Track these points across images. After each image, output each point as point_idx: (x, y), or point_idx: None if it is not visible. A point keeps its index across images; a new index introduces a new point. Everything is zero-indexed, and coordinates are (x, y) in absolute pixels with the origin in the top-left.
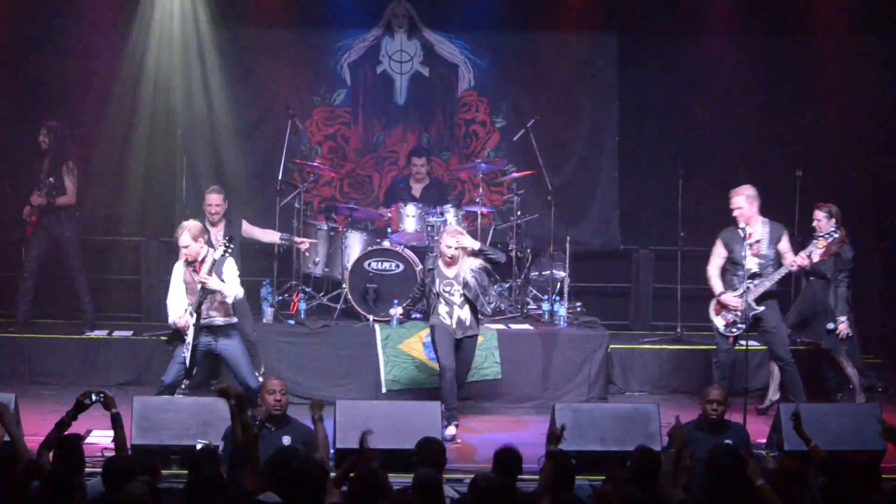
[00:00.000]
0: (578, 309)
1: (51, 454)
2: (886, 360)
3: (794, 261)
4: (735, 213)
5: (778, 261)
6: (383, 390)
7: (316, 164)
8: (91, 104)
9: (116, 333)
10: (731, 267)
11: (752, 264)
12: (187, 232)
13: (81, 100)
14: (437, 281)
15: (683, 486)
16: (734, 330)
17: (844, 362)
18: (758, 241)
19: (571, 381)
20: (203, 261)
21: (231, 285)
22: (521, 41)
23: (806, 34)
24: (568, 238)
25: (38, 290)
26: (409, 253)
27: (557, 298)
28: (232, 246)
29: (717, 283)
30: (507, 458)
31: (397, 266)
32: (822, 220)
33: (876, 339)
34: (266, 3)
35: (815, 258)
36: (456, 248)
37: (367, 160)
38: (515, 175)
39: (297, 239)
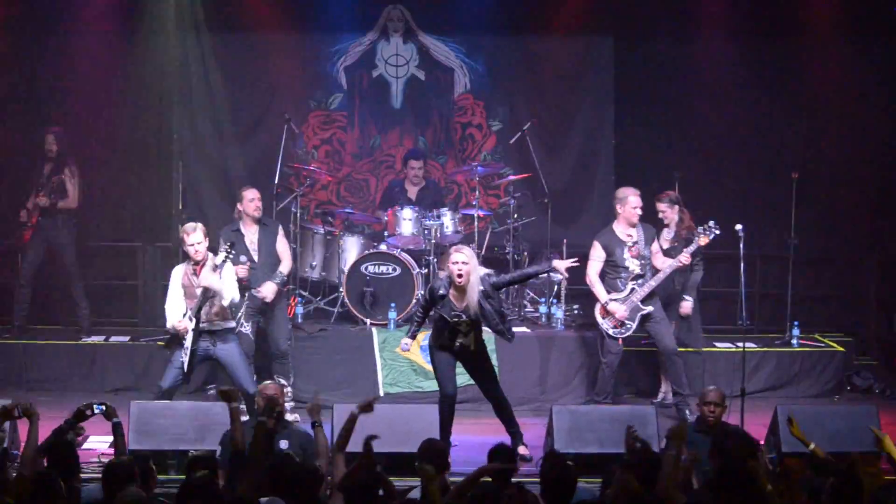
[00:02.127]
0: (576, 311)
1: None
2: (882, 362)
3: (679, 259)
4: (637, 212)
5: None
6: (381, 394)
7: (312, 167)
8: (87, 109)
9: (113, 339)
10: (612, 270)
11: (633, 265)
12: (200, 229)
13: (78, 104)
14: (447, 309)
15: (682, 487)
16: (623, 331)
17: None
18: (636, 243)
19: (569, 383)
20: (203, 264)
21: (229, 289)
22: (516, 44)
23: (802, 37)
24: (565, 241)
25: (34, 296)
26: (405, 256)
27: (554, 301)
28: (233, 252)
29: (601, 290)
30: (502, 456)
31: (394, 269)
32: (667, 211)
33: (872, 342)
34: (262, 7)
35: (685, 255)
36: (464, 264)
37: (364, 164)
38: (512, 178)
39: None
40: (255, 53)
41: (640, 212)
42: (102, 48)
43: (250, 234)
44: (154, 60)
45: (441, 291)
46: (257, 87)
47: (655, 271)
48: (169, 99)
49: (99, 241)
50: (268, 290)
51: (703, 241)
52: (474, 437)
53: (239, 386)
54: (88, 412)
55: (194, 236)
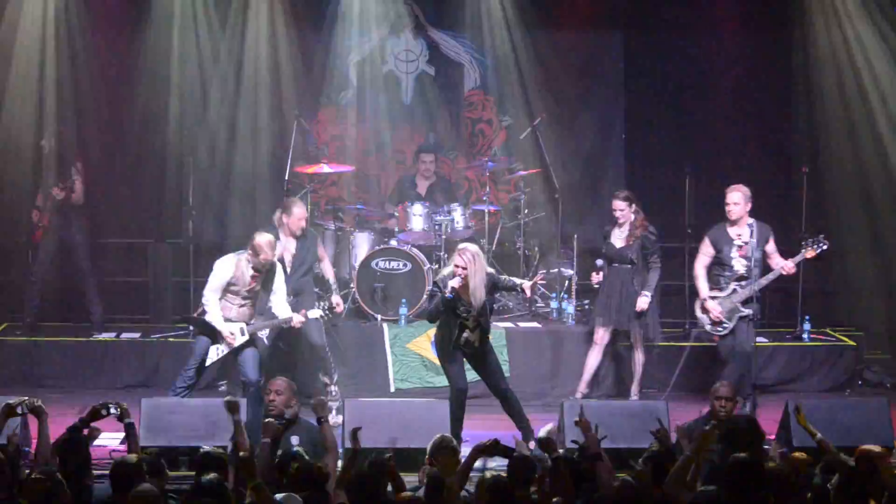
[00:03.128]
0: (586, 307)
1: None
2: (894, 356)
3: (783, 267)
4: (729, 209)
5: (763, 261)
6: (392, 389)
7: (322, 164)
8: (99, 107)
9: (124, 336)
10: (718, 267)
11: (739, 266)
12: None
13: (89, 103)
14: (457, 303)
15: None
16: (720, 329)
17: (638, 348)
18: (746, 243)
19: (580, 378)
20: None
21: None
22: (526, 39)
23: (812, 28)
24: (575, 236)
25: (45, 293)
26: (416, 252)
27: (565, 296)
28: (329, 314)
29: (703, 285)
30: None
31: (405, 265)
32: (625, 209)
33: (883, 336)
34: (271, 3)
35: (791, 264)
36: (462, 269)
37: (374, 160)
38: (522, 173)
39: (335, 299)
40: (265, 49)
41: (733, 209)
42: (112, 45)
43: (289, 246)
44: (164, 57)
45: (443, 287)
46: (268, 83)
47: (768, 271)
48: (180, 95)
49: (110, 238)
50: (338, 300)
51: (809, 253)
52: (485, 432)
53: (244, 373)
54: (104, 412)
55: (272, 252)
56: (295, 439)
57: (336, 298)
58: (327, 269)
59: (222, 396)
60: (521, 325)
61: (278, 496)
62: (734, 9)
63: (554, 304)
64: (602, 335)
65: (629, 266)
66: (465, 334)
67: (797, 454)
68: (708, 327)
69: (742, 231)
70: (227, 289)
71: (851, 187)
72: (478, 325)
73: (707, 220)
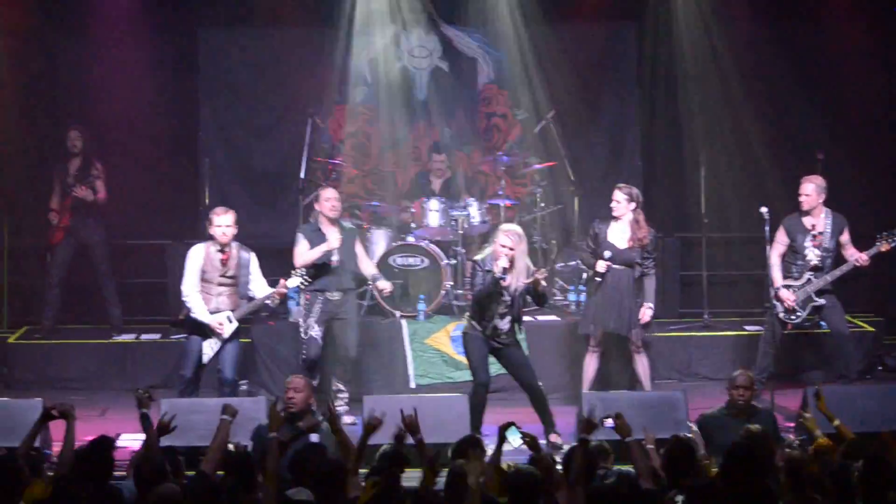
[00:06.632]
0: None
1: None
2: None
3: (858, 258)
4: (801, 199)
5: (838, 252)
6: (412, 385)
7: (338, 161)
8: (113, 107)
9: (144, 337)
10: (791, 255)
11: (813, 256)
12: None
13: (103, 102)
14: (500, 286)
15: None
16: (793, 317)
17: (639, 356)
18: (821, 233)
19: (599, 370)
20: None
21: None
22: (538, 33)
23: (825, 16)
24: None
25: (64, 296)
26: (433, 247)
27: (583, 288)
28: (308, 280)
29: (777, 275)
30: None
31: (422, 261)
32: (623, 202)
33: None
34: (286, 2)
35: (865, 256)
36: (510, 249)
37: (390, 156)
38: (538, 167)
39: (380, 285)
40: (280, 48)
41: (805, 199)
42: (127, 45)
43: (331, 235)
44: (179, 57)
45: (487, 267)
46: (283, 81)
47: (841, 262)
48: (195, 95)
49: (127, 239)
50: (385, 285)
51: (884, 247)
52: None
53: (221, 372)
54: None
55: (226, 217)
56: (315, 437)
57: (382, 283)
58: (370, 264)
59: (244, 396)
60: (540, 318)
61: (290, 491)
62: None
63: (572, 297)
64: (599, 340)
65: (630, 269)
66: (493, 322)
67: (821, 440)
68: (781, 315)
69: (817, 221)
70: (203, 278)
71: (866, 174)
72: (508, 312)
73: (724, 209)
